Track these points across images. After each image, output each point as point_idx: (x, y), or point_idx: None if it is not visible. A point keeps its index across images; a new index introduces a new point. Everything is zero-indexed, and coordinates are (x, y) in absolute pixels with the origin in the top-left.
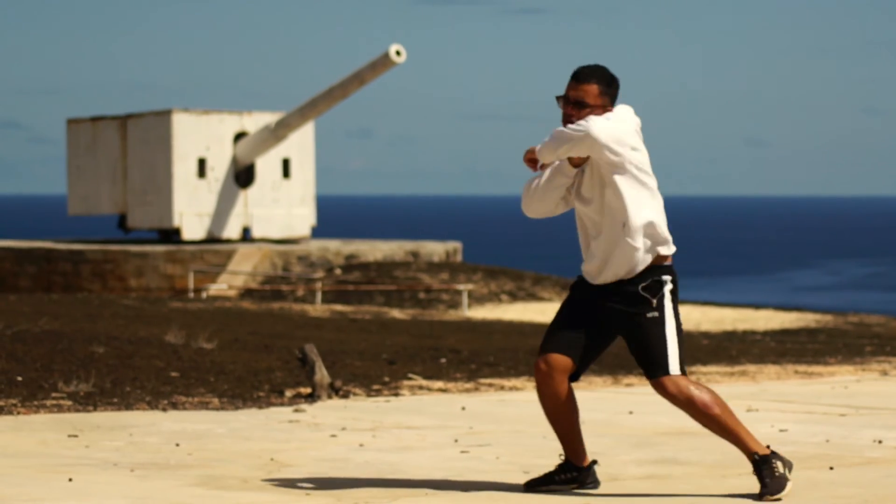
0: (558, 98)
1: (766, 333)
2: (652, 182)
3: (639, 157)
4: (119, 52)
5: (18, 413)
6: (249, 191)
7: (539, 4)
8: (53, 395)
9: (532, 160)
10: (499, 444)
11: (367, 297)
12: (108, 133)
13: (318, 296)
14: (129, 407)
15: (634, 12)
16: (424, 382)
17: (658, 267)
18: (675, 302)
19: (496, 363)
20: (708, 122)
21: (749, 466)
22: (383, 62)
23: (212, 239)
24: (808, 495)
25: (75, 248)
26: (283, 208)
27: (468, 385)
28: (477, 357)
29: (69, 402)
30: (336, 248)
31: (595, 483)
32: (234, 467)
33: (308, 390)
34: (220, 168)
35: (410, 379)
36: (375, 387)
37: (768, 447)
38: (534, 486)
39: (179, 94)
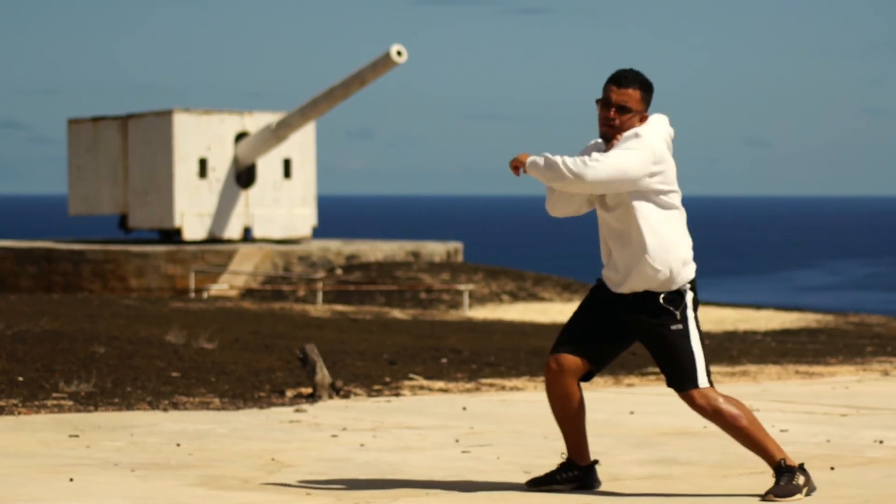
0: (597, 101)
1: (766, 333)
2: (675, 198)
3: (660, 179)
4: (120, 52)
5: (19, 413)
6: (250, 191)
7: (539, 4)
8: (54, 395)
9: (516, 168)
10: (500, 444)
11: (367, 298)
12: (108, 133)
13: (319, 296)
14: (129, 407)
15: (635, 12)
16: (425, 382)
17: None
18: (696, 311)
19: (497, 363)
20: (708, 122)
21: (750, 467)
22: (384, 62)
23: (213, 239)
24: (811, 495)
25: (76, 248)
26: (284, 208)
27: (469, 385)
28: (478, 357)
29: (70, 403)
30: (337, 248)
31: (596, 483)
32: (234, 467)
33: (309, 390)
34: (221, 168)
35: (411, 379)
36: (376, 387)
37: (801, 465)
38: (535, 485)
39: (180, 94)
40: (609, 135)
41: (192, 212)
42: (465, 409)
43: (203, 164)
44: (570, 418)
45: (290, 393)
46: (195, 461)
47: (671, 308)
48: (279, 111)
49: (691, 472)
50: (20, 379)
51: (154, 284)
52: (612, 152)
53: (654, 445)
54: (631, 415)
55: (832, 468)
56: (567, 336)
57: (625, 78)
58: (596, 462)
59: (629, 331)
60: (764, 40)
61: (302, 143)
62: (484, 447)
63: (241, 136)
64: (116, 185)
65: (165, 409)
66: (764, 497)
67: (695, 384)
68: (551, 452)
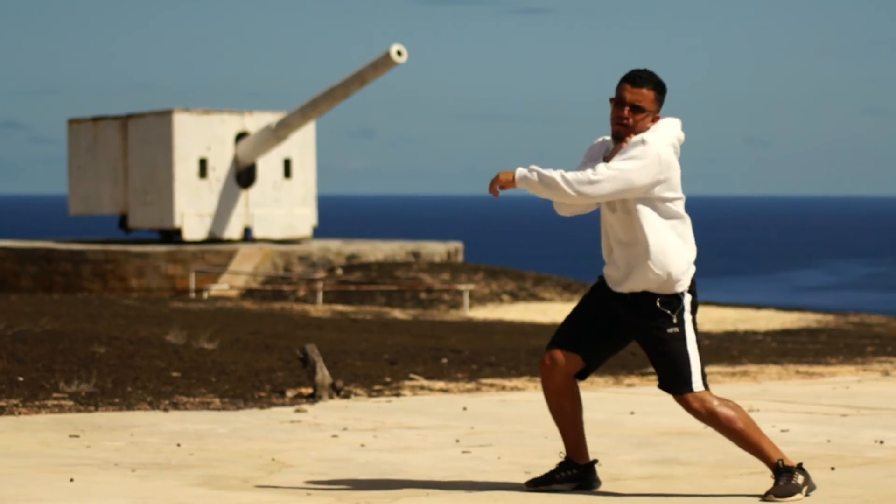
0: (611, 100)
1: (767, 333)
2: (679, 205)
3: (665, 187)
4: (120, 52)
5: (20, 413)
6: (250, 191)
7: (539, 4)
8: (55, 395)
9: (496, 190)
10: (500, 444)
11: (368, 298)
12: (109, 133)
13: (320, 296)
14: (130, 407)
15: (635, 12)
16: (426, 382)
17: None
18: (694, 314)
19: (497, 363)
20: (708, 122)
21: (750, 467)
22: (384, 62)
23: (213, 239)
24: (810, 495)
25: (76, 248)
26: (284, 208)
27: (469, 385)
28: (478, 357)
29: (70, 403)
30: (337, 248)
31: (596, 483)
32: (235, 467)
33: (309, 390)
34: (221, 168)
35: (412, 379)
36: (377, 387)
37: (800, 464)
38: (535, 485)
39: (180, 94)
40: (621, 133)
41: (193, 212)
42: (465, 409)
43: (203, 164)
44: (565, 414)
45: (290, 393)
46: (196, 461)
47: (668, 311)
48: (279, 111)
49: (692, 472)
50: (20, 379)
51: (154, 284)
52: (617, 164)
53: (655, 445)
54: (631, 415)
55: (832, 468)
56: (563, 332)
57: (640, 77)
58: (595, 461)
59: (626, 330)
60: (764, 40)
61: (302, 143)
62: (484, 447)
63: (241, 136)
64: (117, 185)
65: (166, 410)
66: (764, 497)
67: (689, 388)
68: (552, 452)
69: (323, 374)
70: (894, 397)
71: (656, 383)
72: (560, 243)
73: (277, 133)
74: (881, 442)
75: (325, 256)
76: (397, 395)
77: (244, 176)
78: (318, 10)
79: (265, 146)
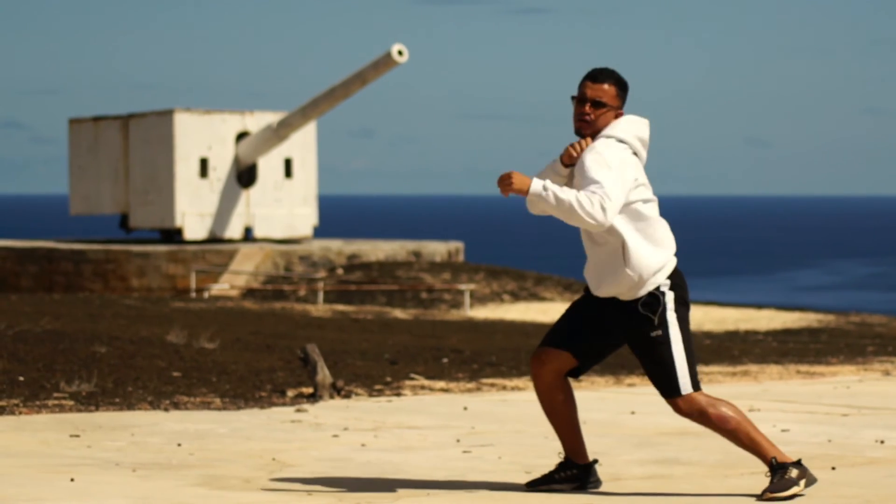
0: (573, 98)
1: (768, 333)
2: (645, 206)
3: (639, 191)
4: (121, 51)
5: (20, 413)
6: (251, 190)
7: (539, 4)
8: (55, 395)
9: (506, 188)
10: (501, 444)
11: (369, 297)
12: (109, 133)
13: (320, 296)
14: (130, 407)
15: (635, 12)
16: (426, 382)
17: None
18: (680, 311)
19: (498, 363)
20: (708, 122)
21: (751, 467)
22: (385, 62)
23: (214, 239)
24: (810, 495)
25: (77, 247)
26: (285, 208)
27: (470, 385)
28: (479, 357)
29: (71, 402)
30: (338, 247)
31: (596, 483)
32: (235, 467)
33: (310, 390)
34: (222, 168)
35: (412, 379)
36: (377, 387)
37: (798, 460)
38: (534, 486)
39: (181, 93)
40: (583, 130)
41: (193, 211)
42: (466, 409)
43: (204, 163)
44: (558, 413)
45: (291, 393)
46: (196, 461)
47: (649, 314)
48: (280, 111)
49: (692, 471)
50: (21, 379)
51: (155, 284)
52: (605, 182)
53: (655, 445)
54: (632, 415)
55: (833, 468)
56: (555, 331)
57: (601, 74)
58: (595, 461)
59: (616, 332)
60: (764, 40)
61: (303, 143)
62: (485, 447)
63: (242, 136)
64: (117, 185)
65: (166, 409)
66: (760, 496)
67: (678, 392)
68: (552, 452)
69: (324, 374)
70: (895, 397)
71: None
72: (561, 243)
73: (278, 133)
74: (882, 442)
75: (326, 256)
76: (398, 394)
77: (245, 176)
78: (318, 9)
79: (266, 146)
